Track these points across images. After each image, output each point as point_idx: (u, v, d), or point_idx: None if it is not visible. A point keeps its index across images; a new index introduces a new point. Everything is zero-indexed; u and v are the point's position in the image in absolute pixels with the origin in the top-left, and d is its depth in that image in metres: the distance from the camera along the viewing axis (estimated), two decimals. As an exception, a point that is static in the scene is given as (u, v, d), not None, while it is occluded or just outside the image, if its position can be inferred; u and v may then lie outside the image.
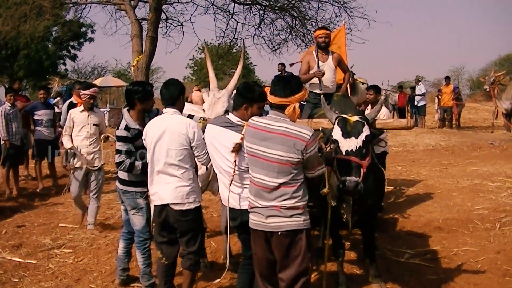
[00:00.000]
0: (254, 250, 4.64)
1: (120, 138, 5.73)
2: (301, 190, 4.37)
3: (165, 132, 5.19)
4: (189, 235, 5.36)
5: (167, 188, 5.21)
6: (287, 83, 4.60)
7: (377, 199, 6.29)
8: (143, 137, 5.44)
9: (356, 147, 4.85)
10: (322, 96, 5.93)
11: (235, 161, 4.70)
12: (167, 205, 5.23)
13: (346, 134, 4.90)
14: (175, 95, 5.38)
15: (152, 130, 5.29)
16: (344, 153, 4.86)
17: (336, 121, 5.05)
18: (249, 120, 4.62)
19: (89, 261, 7.13)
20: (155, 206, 5.37)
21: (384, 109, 9.09)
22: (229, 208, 4.91)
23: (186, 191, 5.20)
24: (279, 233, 4.33)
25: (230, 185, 4.79)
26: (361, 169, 4.81)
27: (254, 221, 4.48)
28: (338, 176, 4.87)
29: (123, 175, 5.92)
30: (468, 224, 8.21)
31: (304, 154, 4.27)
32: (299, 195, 4.34)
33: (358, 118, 5.01)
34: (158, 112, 5.79)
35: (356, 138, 4.88)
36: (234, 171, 4.72)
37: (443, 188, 10.60)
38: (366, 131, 4.93)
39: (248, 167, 4.65)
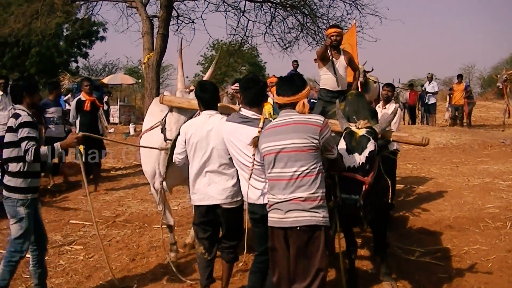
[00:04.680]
0: (272, 249, 4.60)
1: (27, 124, 5.37)
2: (318, 180, 4.33)
3: (211, 132, 5.20)
4: (231, 230, 5.47)
5: (217, 188, 5.25)
6: (292, 82, 4.66)
7: (387, 200, 6.25)
8: (182, 138, 5.37)
9: (359, 163, 4.84)
10: (337, 101, 5.90)
11: (253, 155, 4.70)
12: (216, 204, 5.29)
13: (350, 150, 4.88)
14: (212, 101, 5.42)
15: (195, 131, 5.28)
16: (346, 169, 4.85)
17: (343, 133, 5.06)
18: (259, 129, 4.68)
19: (100, 257, 7.14)
20: (200, 206, 5.39)
21: (395, 105, 9.09)
22: (249, 203, 4.95)
23: (236, 190, 5.25)
24: (298, 228, 4.30)
25: (250, 179, 4.80)
26: (363, 186, 4.81)
27: (274, 218, 4.46)
28: (338, 192, 4.86)
29: (7, 180, 5.49)
30: (479, 222, 8.20)
31: (321, 138, 4.29)
32: (316, 186, 4.31)
33: (364, 132, 4.97)
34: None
35: (360, 154, 4.85)
36: (253, 165, 4.72)
37: (454, 186, 10.57)
38: (370, 146, 4.87)
39: None
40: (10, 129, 5.43)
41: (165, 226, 7.02)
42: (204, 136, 5.21)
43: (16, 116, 5.42)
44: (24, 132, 5.32)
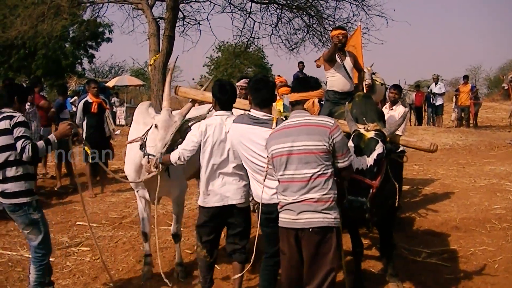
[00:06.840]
0: (282, 250, 4.62)
1: (23, 124, 5.37)
2: (330, 181, 4.36)
3: (229, 134, 5.20)
4: (244, 230, 5.51)
5: (231, 188, 5.29)
6: (306, 81, 4.84)
7: (394, 203, 6.24)
8: (197, 137, 5.27)
9: (367, 166, 4.84)
10: (346, 104, 5.91)
11: (268, 155, 4.68)
12: (230, 204, 5.32)
13: (358, 152, 4.89)
14: (229, 103, 5.44)
15: (213, 132, 5.25)
16: (354, 171, 4.84)
17: (352, 136, 5.07)
18: (273, 129, 4.69)
19: (106, 259, 7.15)
20: (212, 207, 5.36)
21: (401, 107, 9.09)
22: (264, 204, 4.91)
23: (247, 190, 5.34)
24: (310, 230, 4.32)
25: (264, 180, 4.79)
26: (371, 189, 4.81)
27: (285, 219, 4.47)
28: (346, 194, 4.85)
29: (9, 188, 5.35)
30: (485, 223, 8.17)
31: (331, 140, 4.30)
32: (328, 187, 4.34)
33: (373, 135, 4.98)
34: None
35: (368, 156, 4.86)
36: (267, 166, 4.72)
37: (460, 187, 10.53)
38: (378, 149, 4.88)
39: None
40: (4, 132, 5.32)
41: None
42: (223, 138, 5.23)
43: (10, 117, 5.35)
44: (20, 132, 5.28)
